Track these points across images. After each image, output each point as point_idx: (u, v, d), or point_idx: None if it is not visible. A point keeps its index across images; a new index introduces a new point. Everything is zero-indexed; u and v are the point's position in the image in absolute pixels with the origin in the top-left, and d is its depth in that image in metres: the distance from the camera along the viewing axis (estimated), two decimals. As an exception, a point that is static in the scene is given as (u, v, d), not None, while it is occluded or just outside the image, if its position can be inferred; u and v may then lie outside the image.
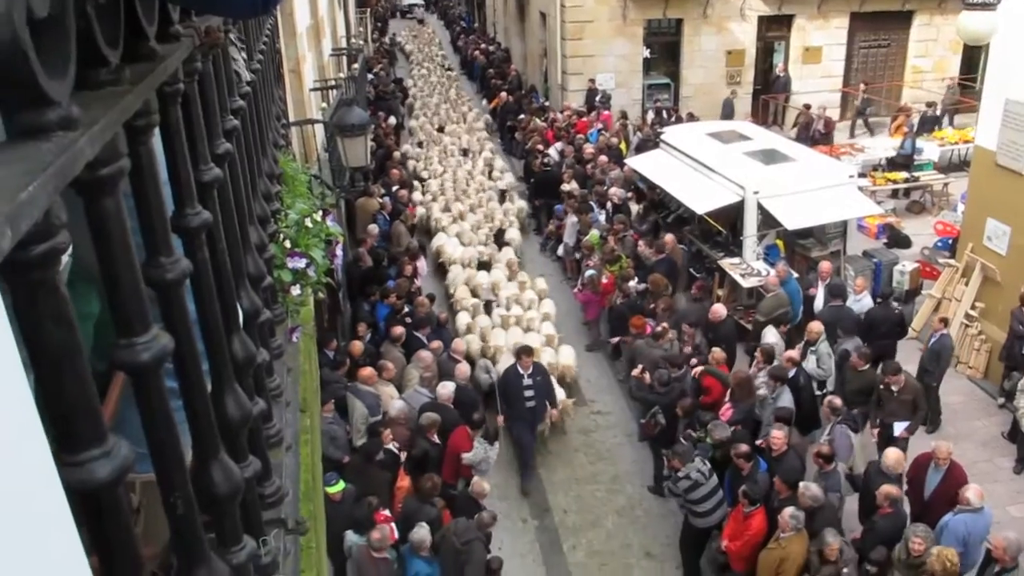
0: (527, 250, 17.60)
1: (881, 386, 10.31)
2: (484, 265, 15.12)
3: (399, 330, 11.43)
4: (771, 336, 11.62)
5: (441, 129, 23.30)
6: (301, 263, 3.70)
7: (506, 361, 11.62)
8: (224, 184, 2.47)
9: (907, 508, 9.02)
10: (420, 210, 17.98)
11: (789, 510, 8.23)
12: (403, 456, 9.42)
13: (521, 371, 10.81)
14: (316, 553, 3.03)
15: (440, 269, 16.03)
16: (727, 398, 10.39)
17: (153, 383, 1.42)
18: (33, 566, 0.95)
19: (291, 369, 3.72)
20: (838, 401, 9.87)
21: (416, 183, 19.16)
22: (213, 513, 1.87)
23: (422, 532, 8.05)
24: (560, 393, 11.72)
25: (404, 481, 9.28)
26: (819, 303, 12.23)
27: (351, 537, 8.32)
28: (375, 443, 9.24)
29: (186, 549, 1.58)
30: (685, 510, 9.49)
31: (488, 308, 13.67)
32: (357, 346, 11.25)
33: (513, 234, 16.59)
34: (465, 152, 21.29)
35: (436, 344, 11.31)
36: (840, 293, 11.96)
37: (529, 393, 10.78)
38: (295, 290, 3.69)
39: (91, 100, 1.25)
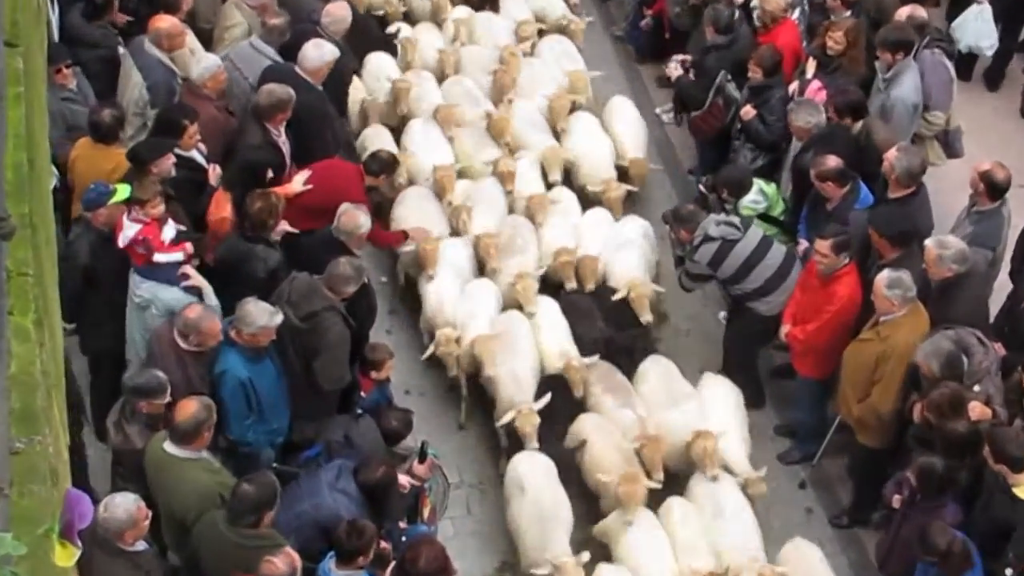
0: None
1: None
2: None
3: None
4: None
5: None
6: None
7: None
8: None
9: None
10: None
11: (886, 272, 4.95)
12: (214, 168, 5.85)
13: None
14: (47, 249, 2.90)
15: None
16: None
17: None
18: None
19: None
20: None
21: None
22: None
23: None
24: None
25: (223, 209, 5.72)
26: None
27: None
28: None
29: None
30: (729, 294, 6.09)
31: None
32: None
33: None
34: None
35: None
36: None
37: None
38: None
39: None
